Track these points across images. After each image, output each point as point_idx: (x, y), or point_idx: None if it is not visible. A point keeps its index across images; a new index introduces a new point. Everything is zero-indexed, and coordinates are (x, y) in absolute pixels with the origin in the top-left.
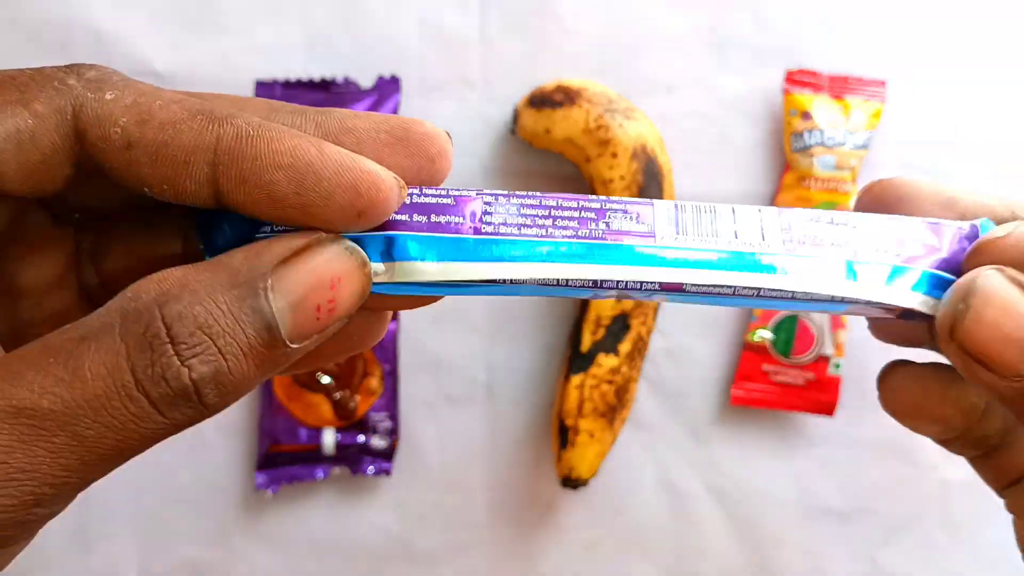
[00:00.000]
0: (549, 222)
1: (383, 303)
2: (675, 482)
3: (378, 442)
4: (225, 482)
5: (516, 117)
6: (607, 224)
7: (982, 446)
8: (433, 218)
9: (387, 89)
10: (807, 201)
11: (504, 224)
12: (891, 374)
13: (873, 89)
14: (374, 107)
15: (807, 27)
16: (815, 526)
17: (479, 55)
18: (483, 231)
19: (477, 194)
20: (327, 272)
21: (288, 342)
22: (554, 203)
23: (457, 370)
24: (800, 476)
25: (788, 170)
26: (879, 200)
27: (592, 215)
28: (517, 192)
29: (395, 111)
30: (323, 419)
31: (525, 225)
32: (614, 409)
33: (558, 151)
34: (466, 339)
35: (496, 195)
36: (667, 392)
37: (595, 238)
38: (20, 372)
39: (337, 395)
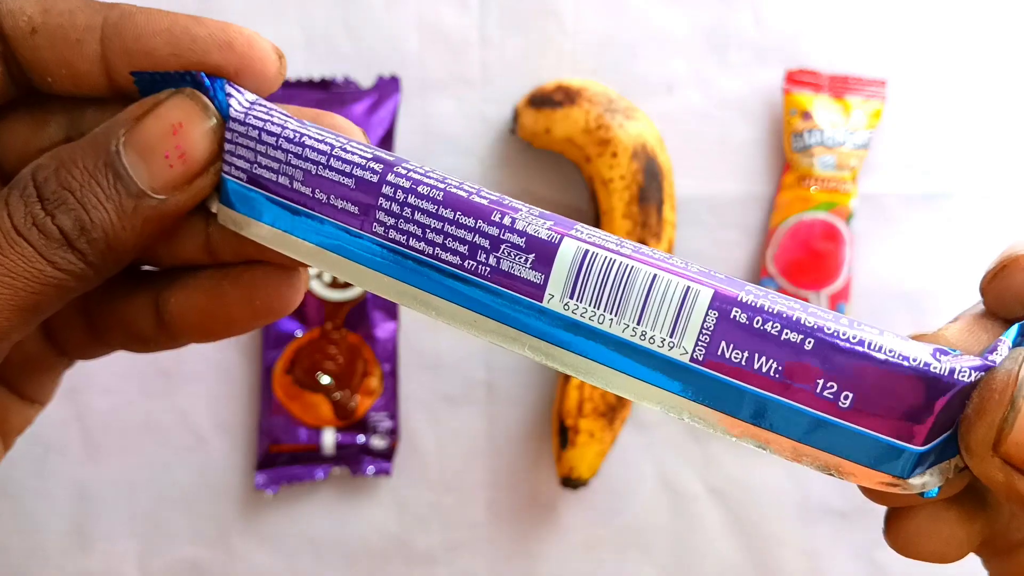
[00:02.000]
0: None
1: (255, 251)
2: (675, 482)
3: (378, 442)
4: (225, 482)
5: (516, 117)
6: (496, 261)
7: (996, 554)
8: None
9: (387, 89)
10: (807, 201)
11: (395, 228)
12: (900, 522)
13: (873, 89)
14: (374, 107)
15: (807, 27)
16: (815, 526)
17: (479, 55)
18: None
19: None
20: (167, 118)
21: (150, 192)
22: (451, 215)
23: (457, 370)
24: (800, 476)
25: (788, 170)
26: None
27: (485, 243)
28: (424, 182)
29: (395, 111)
30: (323, 419)
31: (413, 236)
32: (614, 409)
33: (558, 151)
34: (466, 339)
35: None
36: None
37: (467, 275)
38: None
39: (337, 395)
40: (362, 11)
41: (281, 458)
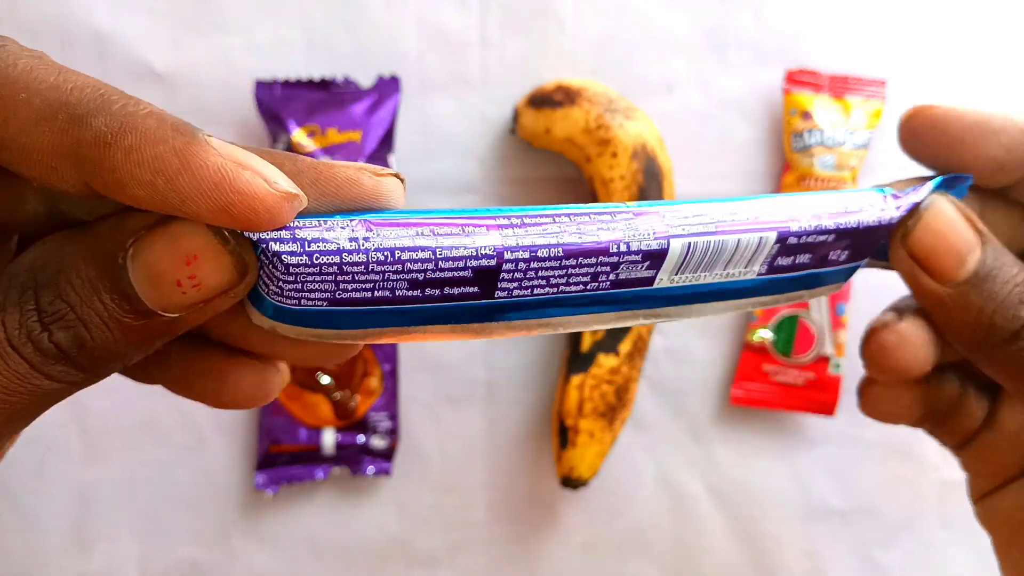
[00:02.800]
0: (561, 275)
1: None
2: (675, 482)
3: (378, 442)
4: (225, 482)
5: (516, 117)
6: (615, 276)
7: (934, 416)
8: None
9: (387, 89)
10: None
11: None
12: (869, 389)
13: (873, 89)
14: (374, 107)
15: (807, 27)
16: (815, 526)
17: (479, 55)
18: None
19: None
20: (179, 247)
21: (161, 312)
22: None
23: (457, 370)
24: (800, 476)
25: (788, 170)
26: (918, 131)
27: (606, 269)
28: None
29: (395, 111)
30: (323, 419)
31: (538, 287)
32: (614, 409)
33: (558, 151)
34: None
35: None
36: (667, 392)
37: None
38: None
39: (337, 395)
40: (362, 11)
41: (281, 458)
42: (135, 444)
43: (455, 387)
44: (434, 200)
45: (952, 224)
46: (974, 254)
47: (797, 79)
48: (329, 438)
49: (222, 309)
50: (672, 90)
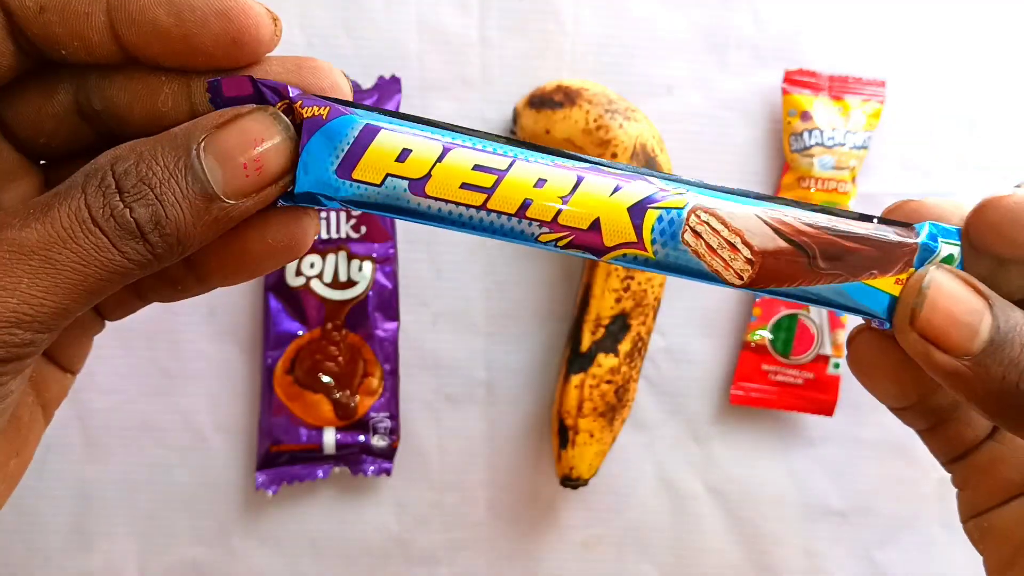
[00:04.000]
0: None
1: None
2: (675, 482)
3: (378, 442)
4: (225, 482)
5: (516, 117)
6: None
7: (932, 418)
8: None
9: (387, 89)
10: (807, 201)
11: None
12: (859, 335)
13: (873, 89)
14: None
15: (807, 27)
16: (814, 526)
17: (479, 55)
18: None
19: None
20: (249, 132)
21: (223, 196)
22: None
23: (457, 370)
24: (799, 476)
25: (787, 170)
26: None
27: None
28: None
29: (395, 111)
30: (323, 419)
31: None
32: (614, 409)
33: None
34: (466, 339)
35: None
36: (667, 392)
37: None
38: (10, 217)
39: (337, 395)
40: (362, 11)
41: (282, 458)
42: (135, 444)
43: (455, 387)
44: None
45: (957, 296)
46: (985, 321)
47: (796, 80)
48: (329, 438)
49: (270, 199)
50: (672, 91)
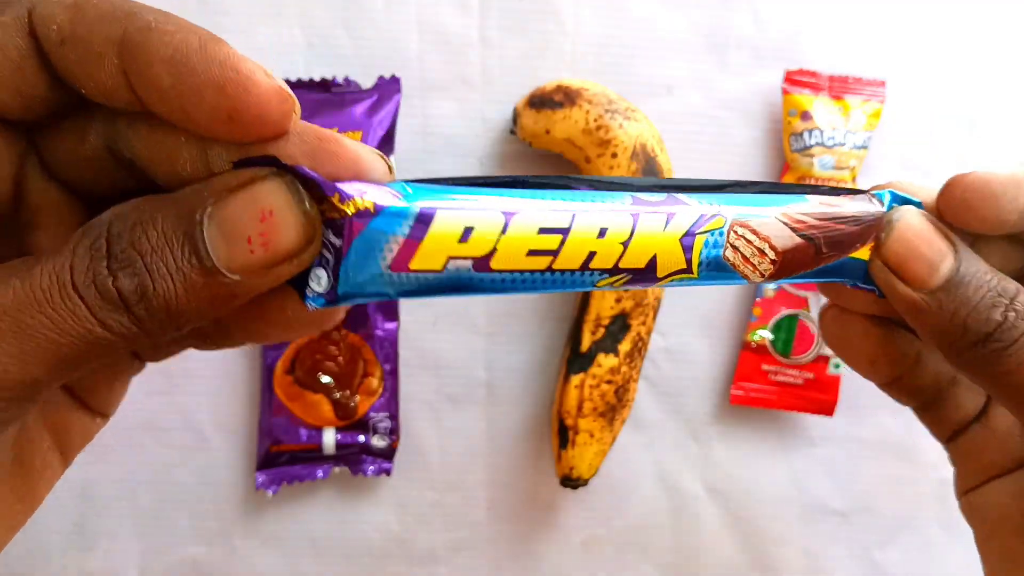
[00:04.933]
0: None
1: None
2: (675, 482)
3: (378, 442)
4: (225, 482)
5: (516, 117)
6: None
7: (919, 396)
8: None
9: (387, 89)
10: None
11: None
12: (830, 309)
13: (873, 89)
14: (374, 107)
15: (807, 27)
16: (814, 526)
17: (479, 55)
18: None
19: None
20: (258, 203)
21: (226, 272)
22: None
23: (457, 370)
24: (800, 476)
25: (788, 170)
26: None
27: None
28: None
29: (395, 111)
30: (323, 419)
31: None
32: (614, 409)
33: (558, 151)
34: (466, 339)
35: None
36: (667, 392)
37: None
38: None
39: (337, 395)
40: (362, 11)
41: (282, 458)
42: (136, 444)
43: (455, 387)
44: None
45: (923, 233)
46: (947, 261)
47: (796, 80)
48: (329, 438)
49: (283, 279)
50: (672, 91)
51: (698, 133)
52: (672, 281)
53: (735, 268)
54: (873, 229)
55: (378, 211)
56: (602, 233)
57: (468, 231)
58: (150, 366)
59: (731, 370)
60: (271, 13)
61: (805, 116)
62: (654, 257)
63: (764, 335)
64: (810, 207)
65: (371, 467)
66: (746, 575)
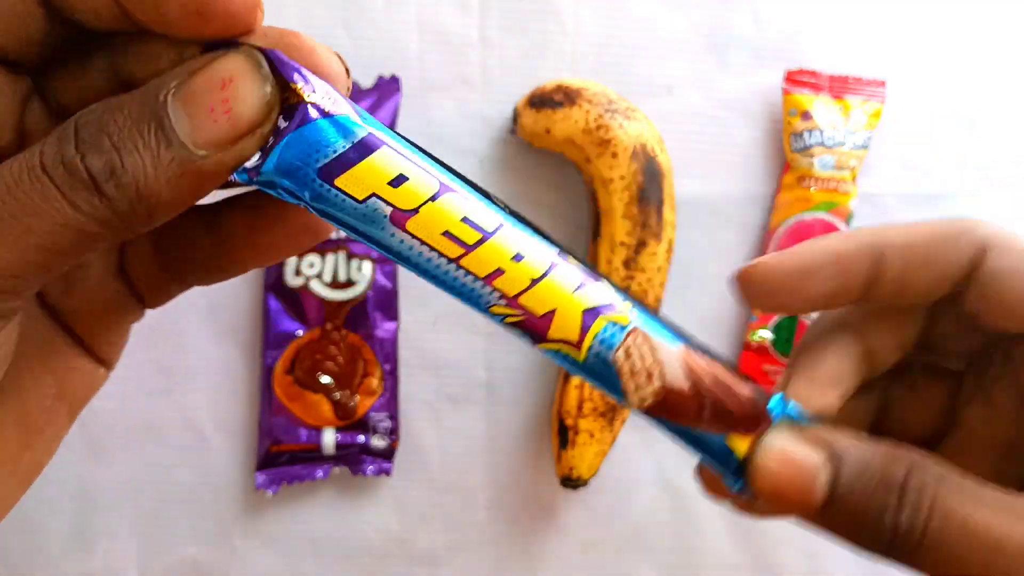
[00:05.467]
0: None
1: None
2: (675, 482)
3: (378, 442)
4: (225, 482)
5: (516, 117)
6: None
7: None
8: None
9: (387, 89)
10: (807, 201)
11: None
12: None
13: (873, 89)
14: (374, 107)
15: (807, 27)
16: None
17: (479, 55)
18: None
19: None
20: (218, 72)
21: (191, 145)
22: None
23: (457, 370)
24: None
25: (788, 170)
26: (751, 291)
27: None
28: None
29: (395, 111)
30: (323, 419)
31: None
32: (614, 409)
33: (558, 151)
34: (466, 339)
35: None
36: None
37: None
38: None
39: (337, 395)
40: (362, 11)
41: (282, 458)
42: (135, 444)
43: (455, 387)
44: None
45: (789, 460)
46: (819, 480)
47: (797, 79)
48: (329, 438)
49: (247, 154)
50: (672, 91)
51: (698, 133)
52: (551, 351)
53: (619, 375)
54: (761, 421)
55: (330, 115)
56: (518, 257)
57: (401, 178)
58: (150, 364)
59: None
60: (271, 13)
61: (805, 116)
62: (553, 312)
63: (764, 335)
64: (713, 366)
65: (371, 467)
66: (746, 575)
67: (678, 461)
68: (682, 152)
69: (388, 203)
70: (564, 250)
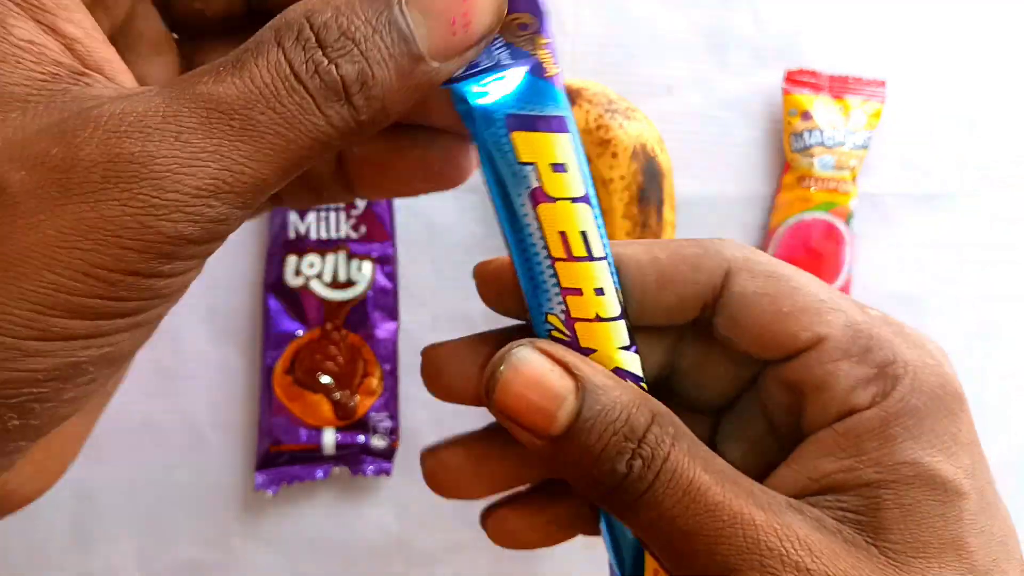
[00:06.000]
0: None
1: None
2: None
3: (378, 442)
4: (225, 482)
5: None
6: None
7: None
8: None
9: None
10: (807, 201)
11: None
12: (434, 455)
13: (873, 89)
14: None
15: (807, 27)
16: None
17: None
18: None
19: None
20: None
21: (428, 57)
22: None
23: None
24: None
25: (788, 170)
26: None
27: None
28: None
29: None
30: (323, 419)
31: None
32: None
33: None
34: None
35: None
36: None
37: None
38: (196, 75)
39: (337, 395)
40: None
41: (281, 458)
42: (135, 444)
43: None
44: (433, 199)
45: (538, 378)
46: (565, 406)
47: (797, 79)
48: (329, 438)
49: (465, 63)
50: (672, 91)
51: (698, 133)
52: None
53: None
54: None
55: (551, 80)
56: (599, 291)
57: (562, 168)
58: (150, 364)
59: None
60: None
61: (805, 116)
62: (593, 351)
63: None
64: None
65: (371, 467)
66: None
67: None
68: (682, 152)
69: (539, 179)
70: (626, 315)
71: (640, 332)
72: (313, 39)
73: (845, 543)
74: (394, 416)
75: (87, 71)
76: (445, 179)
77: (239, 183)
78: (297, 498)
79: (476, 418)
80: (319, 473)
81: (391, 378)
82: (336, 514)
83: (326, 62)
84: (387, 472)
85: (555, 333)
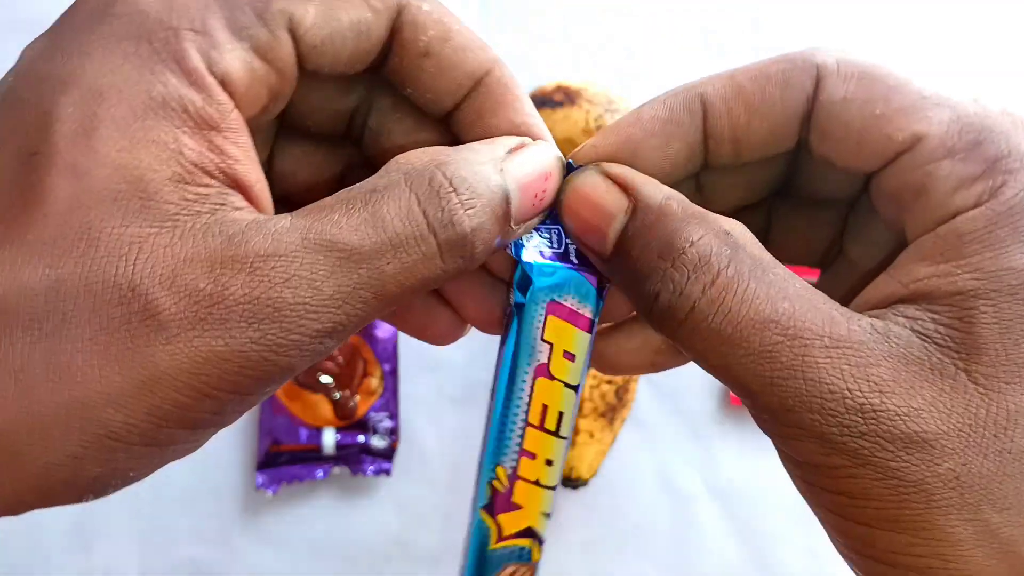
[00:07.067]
0: None
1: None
2: (675, 482)
3: (378, 442)
4: (225, 482)
5: None
6: None
7: None
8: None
9: None
10: None
11: None
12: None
13: None
14: None
15: (807, 27)
16: (815, 525)
17: None
18: None
19: None
20: (545, 164)
21: (512, 220)
22: None
23: (457, 370)
24: None
25: None
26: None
27: None
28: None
29: None
30: (323, 419)
31: None
32: (614, 409)
33: None
34: (466, 339)
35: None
36: (667, 392)
37: None
38: (328, 215)
39: (337, 395)
40: None
41: (281, 458)
42: None
43: (455, 387)
44: None
45: (590, 196)
46: (615, 223)
47: None
48: (329, 438)
49: (524, 233)
50: None
51: None
52: (484, 523)
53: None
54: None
55: (599, 287)
56: (549, 462)
57: (572, 356)
58: None
59: None
60: None
61: None
62: (520, 508)
63: None
64: None
65: (371, 467)
66: (746, 575)
67: (678, 461)
68: None
69: (549, 361)
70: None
71: (749, 166)
72: (447, 187)
73: (929, 371)
74: (394, 416)
75: (231, 190)
76: (473, 325)
77: (351, 322)
78: (297, 498)
79: (476, 417)
80: (319, 473)
81: (391, 378)
82: (336, 514)
83: (461, 212)
84: (387, 472)
85: (495, 483)
